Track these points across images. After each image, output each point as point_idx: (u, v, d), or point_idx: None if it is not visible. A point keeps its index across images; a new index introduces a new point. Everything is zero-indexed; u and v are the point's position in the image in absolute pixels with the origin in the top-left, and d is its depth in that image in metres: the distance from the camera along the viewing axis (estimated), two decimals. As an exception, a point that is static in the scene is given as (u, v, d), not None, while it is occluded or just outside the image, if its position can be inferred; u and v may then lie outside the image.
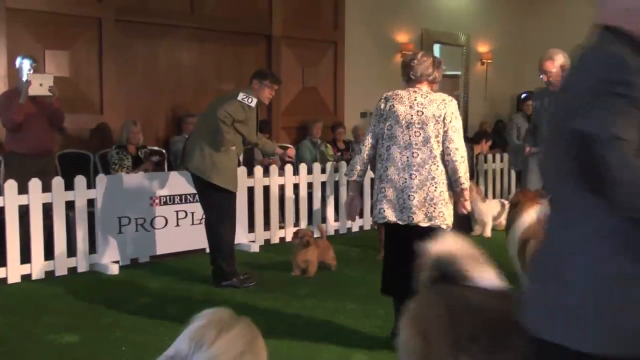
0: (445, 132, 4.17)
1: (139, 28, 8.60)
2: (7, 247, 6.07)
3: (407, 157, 4.17)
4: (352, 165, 4.43)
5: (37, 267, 6.24)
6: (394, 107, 4.25)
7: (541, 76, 5.67)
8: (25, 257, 6.18)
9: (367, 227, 8.82)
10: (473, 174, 8.61)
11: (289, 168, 8.03)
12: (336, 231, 8.53)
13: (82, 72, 8.17)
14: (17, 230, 6.10)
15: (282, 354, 4.36)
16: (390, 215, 4.22)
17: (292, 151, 6.65)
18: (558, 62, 5.54)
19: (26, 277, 6.17)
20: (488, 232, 8.43)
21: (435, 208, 4.17)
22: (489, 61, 13.69)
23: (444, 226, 4.20)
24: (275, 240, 7.87)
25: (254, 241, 7.67)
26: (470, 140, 8.93)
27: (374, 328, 4.85)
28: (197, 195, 6.92)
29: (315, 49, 10.58)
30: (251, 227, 7.72)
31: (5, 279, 6.07)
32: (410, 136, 4.18)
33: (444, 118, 4.16)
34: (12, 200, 6.08)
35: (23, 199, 6.15)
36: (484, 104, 13.72)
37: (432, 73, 4.31)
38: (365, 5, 11.22)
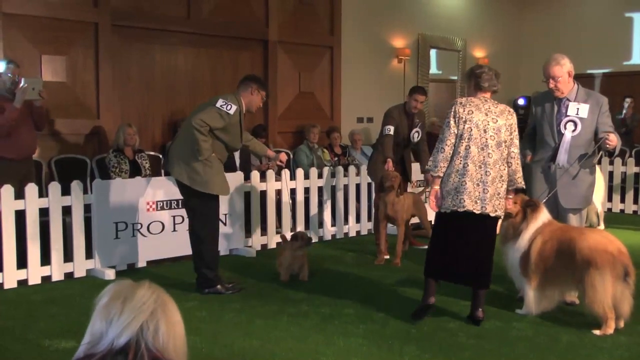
0: (512, 139, 4.99)
1: (135, 33, 8.61)
2: (3, 252, 6.06)
3: (484, 157, 4.90)
4: (435, 163, 5.00)
5: (34, 272, 6.22)
6: (472, 112, 4.95)
7: (548, 81, 5.51)
8: (22, 263, 6.17)
9: (364, 232, 8.82)
10: None
11: (285, 173, 8.02)
12: (333, 236, 8.53)
13: (78, 77, 8.17)
14: (13, 236, 6.09)
15: (278, 359, 4.36)
16: (469, 205, 4.89)
17: (283, 156, 6.53)
18: (565, 67, 5.45)
19: (22, 283, 6.16)
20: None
21: (500, 201, 4.97)
22: (485, 66, 13.70)
23: (501, 216, 5.11)
24: (272, 245, 7.86)
25: (250, 246, 7.66)
26: None
27: (371, 333, 4.84)
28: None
29: (311, 54, 10.60)
30: (248, 232, 7.72)
31: (1, 284, 6.05)
32: (486, 139, 4.90)
33: (511, 126, 4.99)
34: (8, 205, 6.07)
35: (19, 204, 6.14)
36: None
37: (496, 84, 5.13)
38: (361, 10, 11.25)
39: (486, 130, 4.91)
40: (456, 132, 4.94)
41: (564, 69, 5.44)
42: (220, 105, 5.67)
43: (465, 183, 4.88)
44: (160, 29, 8.82)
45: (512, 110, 5.09)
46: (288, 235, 6.94)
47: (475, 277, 5.03)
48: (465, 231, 4.97)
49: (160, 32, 8.84)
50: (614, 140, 5.33)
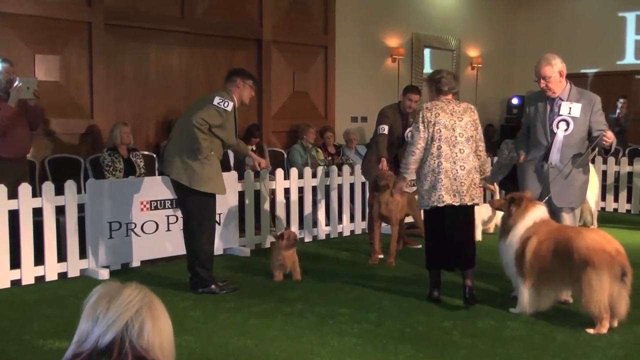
0: (477, 133, 5.51)
1: (129, 32, 8.59)
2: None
3: (456, 153, 5.37)
4: (407, 165, 5.52)
5: (27, 272, 6.20)
6: (439, 114, 5.40)
7: (539, 81, 5.53)
8: (15, 262, 6.15)
9: (358, 231, 8.82)
10: None
11: (280, 173, 8.02)
12: (327, 235, 8.52)
13: (72, 76, 8.15)
14: (6, 236, 6.07)
15: (273, 359, 4.35)
16: (447, 199, 5.36)
17: (263, 163, 6.53)
18: (556, 67, 5.46)
19: (16, 283, 6.14)
20: (478, 236, 8.45)
21: (476, 191, 5.48)
22: (479, 65, 13.74)
23: (478, 203, 5.65)
24: (266, 244, 7.86)
25: (244, 246, 7.65)
26: None
27: (365, 333, 4.84)
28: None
29: (305, 54, 10.59)
30: (242, 232, 7.71)
31: (-6, 285, 6.04)
32: (456, 136, 5.38)
33: (475, 122, 5.50)
34: (1, 205, 6.05)
35: (13, 204, 6.12)
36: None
37: (455, 87, 5.58)
38: (355, 9, 11.25)
39: (454, 129, 5.39)
40: (426, 136, 5.41)
41: (554, 68, 5.45)
42: (218, 103, 5.69)
43: (442, 180, 5.36)
44: (155, 29, 8.80)
45: (473, 107, 5.60)
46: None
47: (464, 259, 5.54)
48: (449, 222, 5.45)
49: (154, 32, 8.82)
50: (611, 137, 5.34)
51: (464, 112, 5.46)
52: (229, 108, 5.75)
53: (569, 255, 4.85)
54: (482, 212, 8.59)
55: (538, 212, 5.24)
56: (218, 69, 9.51)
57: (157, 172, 8.25)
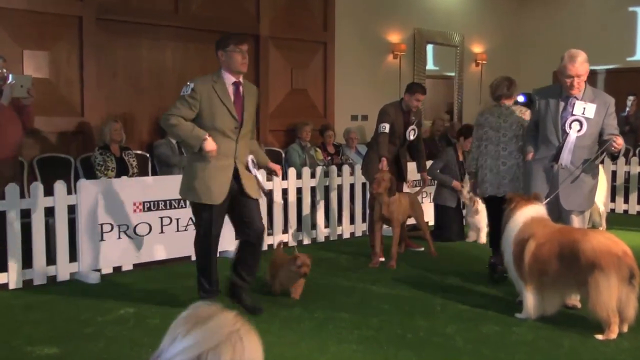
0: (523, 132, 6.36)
1: (121, 27, 8.60)
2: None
3: (499, 151, 6.53)
4: (469, 162, 6.98)
5: (15, 275, 6.21)
6: (487, 117, 6.67)
7: (568, 80, 5.39)
8: (2, 266, 6.15)
9: (359, 233, 8.83)
10: (462, 177, 8.62)
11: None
12: (326, 237, 8.53)
13: (62, 73, 8.16)
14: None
15: (271, 365, 4.36)
16: (491, 191, 6.54)
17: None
18: (587, 65, 5.43)
19: (3, 287, 6.14)
20: (483, 238, 8.46)
21: (519, 184, 6.38)
22: (484, 62, 13.75)
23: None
24: (263, 247, 7.85)
25: (241, 248, 7.65)
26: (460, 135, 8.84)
27: (366, 339, 4.85)
28: (182, 201, 6.94)
29: (304, 50, 10.60)
30: (238, 234, 7.70)
31: (-19, 289, 6.05)
32: (499, 137, 6.54)
33: (521, 123, 6.44)
34: (-11, 206, 6.06)
35: (1, 206, 6.13)
36: (478, 106, 13.76)
37: (505, 93, 6.69)
38: (355, 4, 11.26)
39: (499, 130, 6.53)
40: (477, 137, 6.71)
41: (587, 66, 5.44)
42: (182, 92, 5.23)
43: (487, 174, 6.58)
44: (148, 24, 8.81)
45: (524, 109, 6.53)
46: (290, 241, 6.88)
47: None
48: (495, 210, 6.25)
49: (147, 27, 8.83)
50: (620, 143, 5.36)
51: (510, 114, 6.52)
52: (187, 91, 5.12)
53: (575, 258, 4.85)
54: (483, 215, 8.59)
55: (528, 212, 5.25)
56: (213, 66, 9.45)
57: (150, 172, 8.26)
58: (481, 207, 8.43)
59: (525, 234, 5.18)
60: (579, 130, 5.46)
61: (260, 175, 5.53)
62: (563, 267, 4.97)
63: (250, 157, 5.38)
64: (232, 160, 5.24)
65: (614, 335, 4.78)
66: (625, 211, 10.72)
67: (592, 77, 13.01)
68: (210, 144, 5.05)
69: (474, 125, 6.94)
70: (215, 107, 5.14)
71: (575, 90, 5.47)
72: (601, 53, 13.27)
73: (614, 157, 5.68)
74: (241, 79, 5.31)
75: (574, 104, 5.49)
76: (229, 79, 5.24)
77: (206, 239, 5.38)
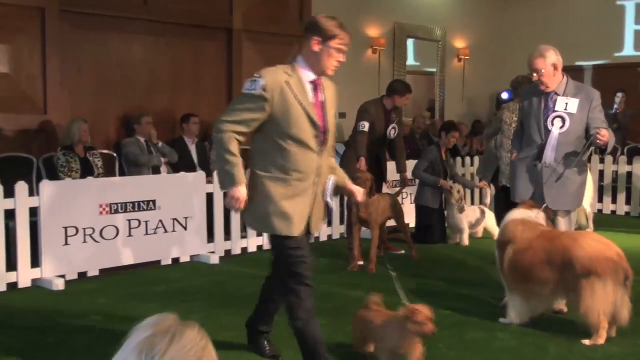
0: None
1: (86, 20, 8.53)
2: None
3: (509, 144, 7.29)
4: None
5: (-26, 282, 6.14)
6: (505, 114, 7.94)
7: (532, 75, 5.58)
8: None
9: (337, 236, 8.82)
10: (446, 176, 8.65)
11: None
12: (303, 241, 8.50)
13: (23, 68, 8.07)
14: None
15: (244, 375, 4.34)
16: (504, 181, 7.81)
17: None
18: (550, 60, 5.49)
19: (-39, 294, 6.07)
20: (466, 240, 8.49)
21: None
22: (467, 58, 13.82)
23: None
24: (237, 251, 7.84)
25: (213, 252, 7.62)
26: (443, 131, 8.85)
27: (343, 347, 4.84)
28: (150, 204, 6.92)
29: (280, 44, 10.58)
30: (210, 237, 7.67)
31: (-63, 296, 5.96)
32: (511, 131, 7.37)
33: None
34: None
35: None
36: (461, 103, 13.83)
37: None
38: (333, -4, 11.25)
39: (512, 124, 7.50)
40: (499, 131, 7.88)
41: (547, 61, 5.47)
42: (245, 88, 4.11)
43: (502, 166, 7.93)
44: (115, 16, 8.74)
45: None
46: None
47: None
48: (509, 200, 6.33)
49: (114, 20, 8.76)
50: (605, 135, 5.36)
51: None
52: (254, 88, 4.00)
53: (568, 265, 4.85)
54: (470, 215, 8.63)
55: (512, 216, 5.33)
56: (184, 61, 9.49)
57: (118, 173, 8.19)
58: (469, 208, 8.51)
59: (505, 238, 5.23)
60: (561, 127, 5.49)
61: (334, 204, 4.52)
62: (552, 274, 4.97)
63: (331, 180, 4.31)
64: (312, 181, 4.14)
65: (602, 340, 4.80)
66: (613, 212, 10.81)
67: (579, 73, 13.15)
68: (240, 194, 4.04)
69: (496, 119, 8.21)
70: (291, 109, 4.02)
71: (542, 86, 5.53)
72: (588, 48, 13.39)
73: (602, 151, 5.70)
74: (322, 79, 4.30)
75: (556, 100, 5.52)
76: (308, 75, 4.17)
77: (286, 276, 4.18)
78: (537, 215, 5.33)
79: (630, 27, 13.47)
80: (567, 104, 5.50)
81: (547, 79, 5.50)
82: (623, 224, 9.79)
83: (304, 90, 4.11)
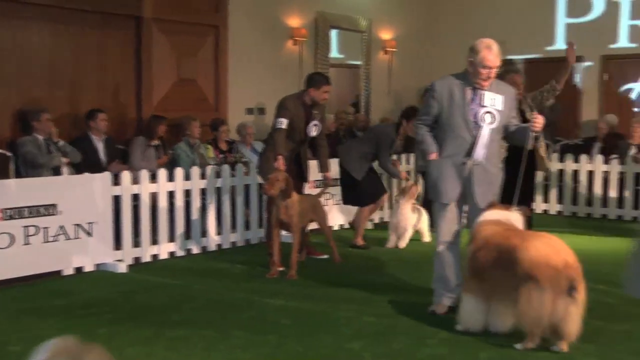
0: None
1: (-24, 6, 8.30)
2: None
3: None
4: None
5: None
6: None
7: (483, 71, 5.49)
8: None
9: (255, 240, 8.81)
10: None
11: (162, 173, 7.92)
12: (219, 246, 8.48)
13: None
14: None
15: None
16: None
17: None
18: (500, 56, 5.61)
19: None
20: (404, 243, 8.60)
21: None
22: (393, 50, 13.97)
23: None
24: (147, 258, 7.75)
25: (120, 260, 7.51)
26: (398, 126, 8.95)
27: (263, 357, 4.84)
28: (49, 208, 6.80)
29: (193, 34, 10.52)
30: (117, 244, 7.56)
31: None
32: None
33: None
34: None
35: None
36: (387, 98, 13.98)
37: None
38: (251, -17, 11.25)
39: None
40: None
41: (499, 58, 5.59)
42: None
43: None
44: (9, 0, 8.53)
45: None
46: None
47: None
48: None
49: (8, 4, 8.54)
50: (541, 121, 5.54)
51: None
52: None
53: (512, 266, 4.89)
54: (411, 217, 8.70)
55: (484, 216, 5.41)
56: (88, 51, 9.32)
57: (11, 174, 8.00)
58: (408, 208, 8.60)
59: (470, 238, 5.37)
60: (491, 123, 5.60)
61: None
62: (501, 275, 5.02)
63: None
64: None
65: (532, 345, 4.89)
66: (545, 211, 11.11)
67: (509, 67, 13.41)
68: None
69: None
70: None
71: (485, 83, 5.59)
72: (519, 42, 13.70)
73: (536, 139, 5.90)
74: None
75: (482, 95, 5.61)
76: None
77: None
78: (513, 216, 5.41)
79: (561, 21, 13.84)
80: (494, 99, 5.62)
81: (494, 76, 5.62)
82: (556, 224, 9.99)
83: None
